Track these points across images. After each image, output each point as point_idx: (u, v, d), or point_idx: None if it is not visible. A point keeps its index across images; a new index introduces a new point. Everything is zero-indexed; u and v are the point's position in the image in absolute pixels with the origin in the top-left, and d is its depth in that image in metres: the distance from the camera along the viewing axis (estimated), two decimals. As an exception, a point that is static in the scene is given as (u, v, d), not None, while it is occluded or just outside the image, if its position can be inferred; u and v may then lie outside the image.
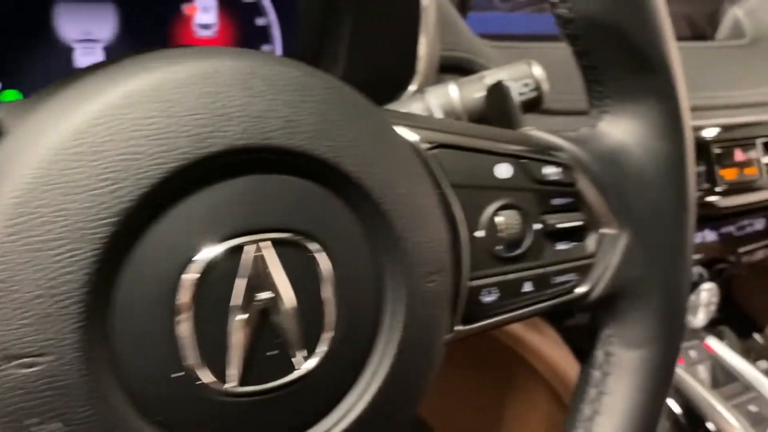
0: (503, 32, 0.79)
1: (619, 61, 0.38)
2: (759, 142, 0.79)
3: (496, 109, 0.44)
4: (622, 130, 0.39)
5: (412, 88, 0.59)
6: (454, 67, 0.65)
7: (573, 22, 0.37)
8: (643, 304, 0.40)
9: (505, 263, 0.38)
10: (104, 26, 0.61)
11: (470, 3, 0.78)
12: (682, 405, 0.81)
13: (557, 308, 0.40)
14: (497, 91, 0.44)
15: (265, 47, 0.69)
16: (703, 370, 0.85)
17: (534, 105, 0.50)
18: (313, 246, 0.30)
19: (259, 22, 0.68)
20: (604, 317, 0.42)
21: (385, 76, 0.63)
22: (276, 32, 0.69)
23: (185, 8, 0.64)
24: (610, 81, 0.39)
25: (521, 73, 0.50)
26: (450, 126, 0.38)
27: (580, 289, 0.40)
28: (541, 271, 0.39)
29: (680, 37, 1.02)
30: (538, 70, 0.50)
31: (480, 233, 0.37)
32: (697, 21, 0.99)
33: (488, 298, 0.37)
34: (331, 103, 0.30)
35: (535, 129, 0.41)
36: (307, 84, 0.30)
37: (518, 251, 0.38)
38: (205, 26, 0.66)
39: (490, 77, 0.50)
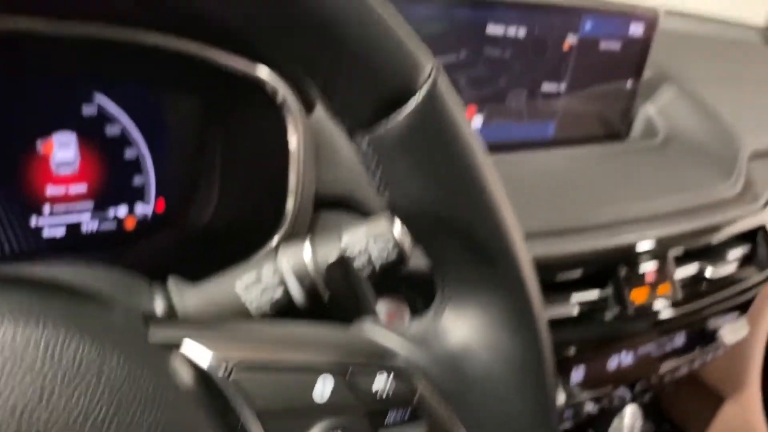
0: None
1: (452, 251, 0.33)
2: (670, 255, 0.75)
3: (339, 290, 0.39)
4: (465, 326, 0.34)
5: (278, 236, 0.53)
6: (341, 204, 0.61)
7: (393, 209, 0.32)
8: None
9: None
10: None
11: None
12: None
13: None
14: (337, 271, 0.39)
15: (137, 178, 0.65)
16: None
17: (395, 266, 0.45)
18: None
19: (129, 154, 0.63)
20: None
21: (255, 217, 0.58)
22: (148, 164, 0.65)
23: (41, 145, 0.59)
24: (446, 272, 0.34)
25: (381, 231, 0.45)
26: (255, 334, 0.32)
27: None
28: None
29: (594, 137, 1.01)
30: (398, 229, 0.46)
31: None
32: (611, 119, 0.97)
33: None
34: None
35: (373, 323, 0.36)
36: None
37: None
38: (66, 164, 0.61)
39: (348, 236, 0.45)
